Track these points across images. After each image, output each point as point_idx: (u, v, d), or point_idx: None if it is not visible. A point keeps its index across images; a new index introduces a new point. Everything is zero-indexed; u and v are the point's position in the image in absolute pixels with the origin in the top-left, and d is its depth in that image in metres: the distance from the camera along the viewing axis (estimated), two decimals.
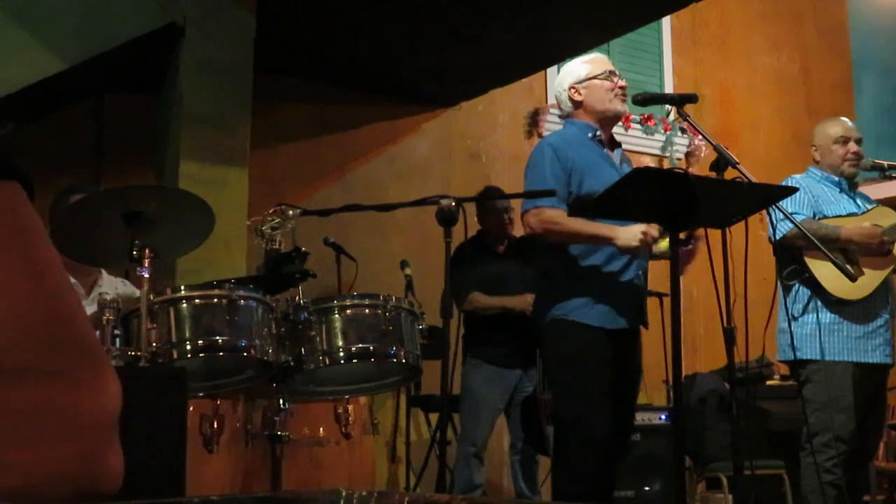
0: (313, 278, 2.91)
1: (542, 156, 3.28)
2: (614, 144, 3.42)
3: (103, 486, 0.71)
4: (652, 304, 3.62)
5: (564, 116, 3.49)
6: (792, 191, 3.20)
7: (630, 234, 3.05)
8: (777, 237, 3.66)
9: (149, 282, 2.63)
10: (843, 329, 3.75)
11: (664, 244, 3.18)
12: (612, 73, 3.38)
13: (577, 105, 3.39)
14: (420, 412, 5.48)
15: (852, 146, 3.95)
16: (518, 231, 4.77)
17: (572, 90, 3.39)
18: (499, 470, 5.72)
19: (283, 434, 2.74)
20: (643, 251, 3.14)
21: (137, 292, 2.80)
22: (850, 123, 4.06)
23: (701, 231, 3.07)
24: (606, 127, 3.39)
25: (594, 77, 3.36)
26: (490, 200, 4.75)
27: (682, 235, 2.93)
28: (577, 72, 3.40)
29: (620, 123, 4.99)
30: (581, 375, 3.16)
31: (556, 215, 3.16)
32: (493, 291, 4.61)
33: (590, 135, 3.34)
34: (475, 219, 4.76)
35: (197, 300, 2.65)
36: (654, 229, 3.05)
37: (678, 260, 2.79)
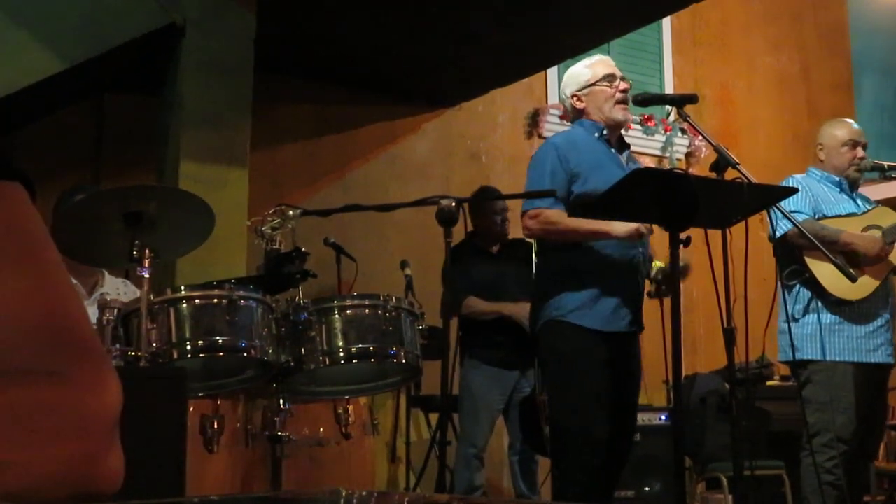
0: (313, 278, 2.91)
1: (545, 156, 3.28)
2: (623, 146, 3.42)
3: (103, 486, 0.71)
4: (652, 304, 3.61)
5: (572, 120, 3.48)
6: (792, 191, 3.20)
7: (625, 223, 3.08)
8: (777, 235, 3.66)
9: (149, 282, 2.63)
10: (843, 329, 3.75)
11: (657, 264, 3.23)
12: (612, 76, 3.36)
13: (580, 113, 3.39)
14: (420, 412, 5.47)
15: (860, 151, 3.96)
16: (515, 232, 4.77)
17: (574, 98, 3.39)
18: (498, 470, 5.72)
19: (283, 434, 2.75)
20: (644, 235, 3.15)
21: (139, 293, 2.80)
22: (856, 126, 4.06)
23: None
24: (612, 131, 3.39)
25: (594, 83, 3.35)
26: (488, 201, 4.74)
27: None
28: (578, 78, 3.39)
29: None
30: (577, 377, 3.16)
31: (553, 215, 3.16)
32: (489, 294, 4.60)
33: (597, 134, 3.33)
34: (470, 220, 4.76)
35: (197, 300, 2.65)
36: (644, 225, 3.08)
37: (678, 260, 2.80)
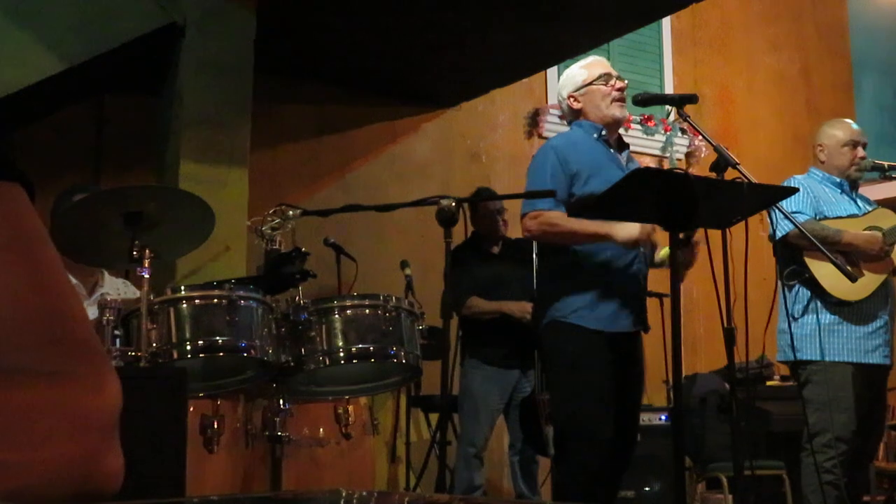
0: (313, 278, 2.91)
1: (544, 158, 3.28)
2: (622, 146, 3.42)
3: (103, 486, 0.71)
4: (652, 304, 3.62)
5: (569, 121, 3.48)
6: (792, 191, 3.20)
7: (629, 226, 3.06)
8: (778, 237, 3.66)
9: (149, 282, 2.63)
10: (842, 330, 3.75)
11: (664, 253, 3.19)
12: (608, 75, 3.36)
13: (577, 113, 3.39)
14: (420, 412, 5.48)
15: (860, 151, 3.96)
16: (513, 232, 4.78)
17: (571, 99, 3.40)
18: (499, 470, 5.72)
19: (283, 434, 2.75)
20: (644, 242, 3.14)
21: (139, 293, 2.80)
22: (856, 127, 4.07)
23: (700, 235, 3.06)
24: (611, 129, 3.39)
25: (590, 83, 3.36)
26: (484, 202, 4.75)
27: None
28: (574, 79, 3.40)
29: None
30: (580, 378, 3.15)
31: (553, 216, 3.16)
32: (490, 294, 4.61)
33: (595, 135, 3.33)
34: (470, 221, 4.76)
35: (197, 300, 2.65)
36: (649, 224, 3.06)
37: (678, 261, 2.79)
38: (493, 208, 4.75)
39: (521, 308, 4.43)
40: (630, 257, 3.24)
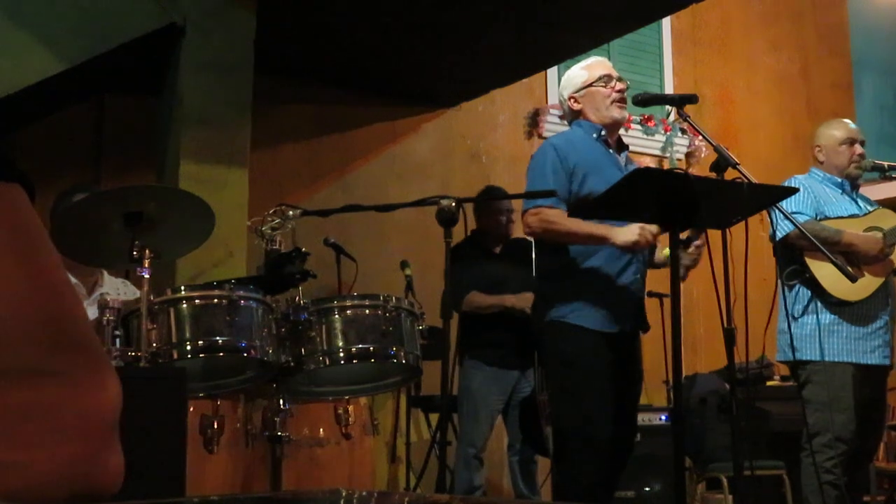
0: (313, 278, 2.91)
1: (544, 156, 3.28)
2: (621, 147, 3.43)
3: (103, 486, 0.71)
4: (652, 304, 3.63)
5: (570, 122, 3.48)
6: (792, 191, 3.20)
7: (627, 230, 3.06)
8: (778, 237, 3.66)
9: (149, 282, 2.63)
10: (842, 330, 3.75)
11: (666, 252, 3.19)
12: (608, 77, 3.36)
13: (578, 114, 3.40)
14: (420, 413, 5.48)
15: (858, 148, 3.96)
16: (518, 232, 4.78)
17: (571, 100, 3.40)
18: (499, 470, 5.72)
19: (283, 434, 2.75)
20: (642, 247, 3.13)
21: (139, 293, 2.80)
22: (853, 125, 4.07)
23: (702, 238, 3.06)
24: (611, 130, 3.39)
25: (590, 84, 3.36)
26: (493, 201, 4.75)
27: (683, 236, 2.93)
28: (575, 80, 3.41)
29: None
30: (580, 378, 3.15)
31: (554, 214, 3.16)
32: (490, 292, 4.60)
33: (595, 135, 3.34)
34: (474, 219, 4.76)
35: (197, 300, 2.65)
36: (651, 226, 3.05)
37: (678, 261, 2.79)
38: (503, 207, 4.75)
39: (522, 300, 4.41)
40: (629, 257, 3.24)
